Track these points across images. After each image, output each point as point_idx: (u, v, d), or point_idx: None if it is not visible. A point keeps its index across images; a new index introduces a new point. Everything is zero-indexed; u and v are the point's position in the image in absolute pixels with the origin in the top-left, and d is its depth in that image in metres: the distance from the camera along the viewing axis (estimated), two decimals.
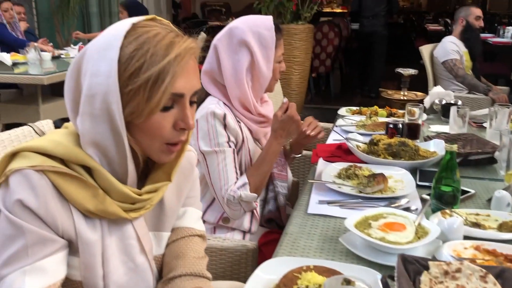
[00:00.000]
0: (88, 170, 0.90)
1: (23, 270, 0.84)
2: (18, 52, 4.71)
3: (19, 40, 4.98)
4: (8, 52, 4.58)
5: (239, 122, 1.66)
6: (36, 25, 7.14)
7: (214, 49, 1.64)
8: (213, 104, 1.60)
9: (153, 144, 0.90)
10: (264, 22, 1.63)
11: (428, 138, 2.04)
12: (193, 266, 1.04)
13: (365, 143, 1.93)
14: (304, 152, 2.40)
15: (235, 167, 1.61)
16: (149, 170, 1.00)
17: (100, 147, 0.88)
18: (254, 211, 1.71)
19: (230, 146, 1.60)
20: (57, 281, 0.88)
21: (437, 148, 1.87)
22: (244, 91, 1.62)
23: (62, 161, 0.88)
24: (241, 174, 1.66)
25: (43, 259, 0.86)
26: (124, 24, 0.87)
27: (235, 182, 1.60)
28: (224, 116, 1.58)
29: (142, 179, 0.98)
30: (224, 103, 1.63)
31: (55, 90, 4.94)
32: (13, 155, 0.88)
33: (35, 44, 4.71)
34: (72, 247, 0.91)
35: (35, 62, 4.56)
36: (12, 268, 0.84)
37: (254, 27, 1.61)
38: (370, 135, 2.14)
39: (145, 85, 0.84)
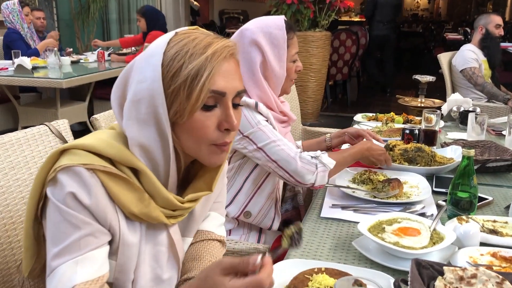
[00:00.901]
0: (135, 173, 0.90)
1: (75, 261, 0.85)
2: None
3: (29, 52, 5.00)
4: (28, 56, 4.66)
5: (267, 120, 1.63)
6: (57, 30, 7.26)
7: None
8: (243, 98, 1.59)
9: (200, 146, 0.91)
10: (275, 22, 1.62)
11: (445, 145, 2.01)
12: None
13: None
14: None
15: (285, 138, 1.58)
16: (189, 179, 1.00)
17: (147, 150, 0.89)
18: (279, 206, 1.70)
19: (270, 124, 1.57)
20: (104, 274, 0.88)
21: (454, 154, 1.84)
22: (263, 89, 1.61)
23: (110, 161, 0.89)
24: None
25: (93, 250, 0.87)
26: (168, 34, 0.91)
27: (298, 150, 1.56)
28: (256, 105, 1.55)
29: (181, 188, 0.98)
30: None
31: (73, 94, 5.01)
32: (62, 152, 0.89)
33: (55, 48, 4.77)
34: (110, 248, 0.91)
35: (54, 67, 4.63)
36: (63, 259, 0.85)
37: (265, 27, 1.60)
38: (386, 141, 2.12)
39: (185, 82, 0.86)
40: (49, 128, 1.38)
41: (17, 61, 4.29)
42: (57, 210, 0.85)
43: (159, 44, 0.89)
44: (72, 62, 5.03)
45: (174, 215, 0.95)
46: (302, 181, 1.53)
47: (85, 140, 0.90)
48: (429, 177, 1.70)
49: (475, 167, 1.59)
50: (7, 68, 4.43)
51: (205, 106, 0.88)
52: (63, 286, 0.84)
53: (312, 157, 1.53)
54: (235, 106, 0.92)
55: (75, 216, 0.85)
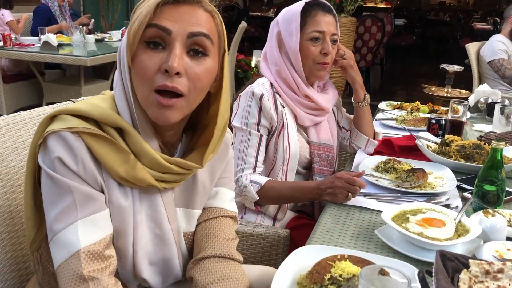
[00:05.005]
0: (122, 135, 0.91)
1: (75, 225, 0.86)
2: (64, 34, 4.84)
3: (36, 27, 5.11)
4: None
5: (283, 107, 1.64)
6: (82, 8, 7.31)
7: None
8: (256, 84, 1.62)
9: (143, 91, 0.88)
10: (301, 1, 1.64)
11: (481, 138, 1.95)
12: (222, 247, 1.04)
13: (436, 143, 1.84)
14: None
15: (257, 152, 1.60)
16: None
17: (123, 105, 0.92)
18: None
19: (258, 130, 1.59)
20: (107, 235, 0.90)
21: None
22: (282, 65, 1.63)
23: (97, 124, 0.90)
24: (274, 159, 1.63)
25: (93, 214, 0.88)
26: None
27: (254, 168, 1.59)
28: (261, 97, 1.58)
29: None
30: (271, 84, 1.65)
31: (97, 73, 5.05)
32: (51, 118, 0.90)
33: (81, 26, 4.82)
34: None
35: (79, 44, 4.66)
36: (64, 223, 0.86)
37: (289, 6, 1.66)
38: (411, 130, 2.10)
39: (132, 18, 0.88)
40: None
41: (43, 37, 4.33)
42: (48, 177, 0.87)
43: None
44: (97, 41, 5.07)
45: (165, 178, 0.94)
46: None
47: (73, 105, 0.91)
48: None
49: None
50: (33, 45, 4.48)
51: (147, 43, 0.86)
52: (68, 252, 0.85)
53: (241, 183, 1.56)
54: (195, 53, 0.88)
55: (64, 181, 0.86)
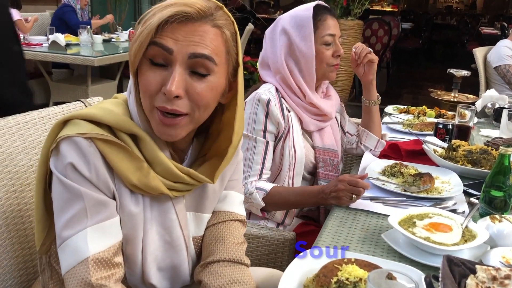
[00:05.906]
0: (135, 141, 0.90)
1: (85, 232, 0.86)
2: (77, 34, 4.87)
3: (79, 22, 5.28)
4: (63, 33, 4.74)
5: (289, 111, 1.64)
6: (90, 8, 7.33)
7: (264, 39, 1.70)
8: (262, 90, 1.61)
9: (147, 105, 0.88)
10: (305, 6, 1.63)
11: (488, 143, 1.95)
12: (232, 252, 1.04)
13: (443, 148, 1.84)
14: None
15: (263, 159, 1.59)
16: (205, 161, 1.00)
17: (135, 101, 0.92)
18: None
19: (264, 137, 1.59)
20: (117, 242, 0.90)
21: None
22: (288, 72, 1.62)
23: (111, 130, 0.89)
24: (280, 164, 1.63)
25: (103, 221, 0.87)
26: None
27: (260, 175, 1.58)
28: (268, 102, 1.57)
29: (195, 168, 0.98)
30: (277, 89, 1.64)
31: (104, 73, 5.07)
32: (64, 123, 0.90)
33: (88, 26, 4.87)
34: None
35: (87, 44, 4.68)
36: (73, 230, 0.86)
37: (294, 12, 1.63)
38: (417, 135, 2.10)
39: (136, 32, 0.87)
40: (84, 105, 1.40)
41: (51, 37, 4.36)
42: (59, 182, 0.86)
43: None
44: (104, 41, 5.09)
45: (176, 187, 0.94)
46: None
47: (86, 109, 0.90)
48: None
49: None
50: (41, 44, 4.50)
51: (151, 61, 0.86)
52: (76, 259, 0.85)
53: (247, 190, 1.55)
54: (197, 75, 0.87)
55: (78, 188, 0.85)
